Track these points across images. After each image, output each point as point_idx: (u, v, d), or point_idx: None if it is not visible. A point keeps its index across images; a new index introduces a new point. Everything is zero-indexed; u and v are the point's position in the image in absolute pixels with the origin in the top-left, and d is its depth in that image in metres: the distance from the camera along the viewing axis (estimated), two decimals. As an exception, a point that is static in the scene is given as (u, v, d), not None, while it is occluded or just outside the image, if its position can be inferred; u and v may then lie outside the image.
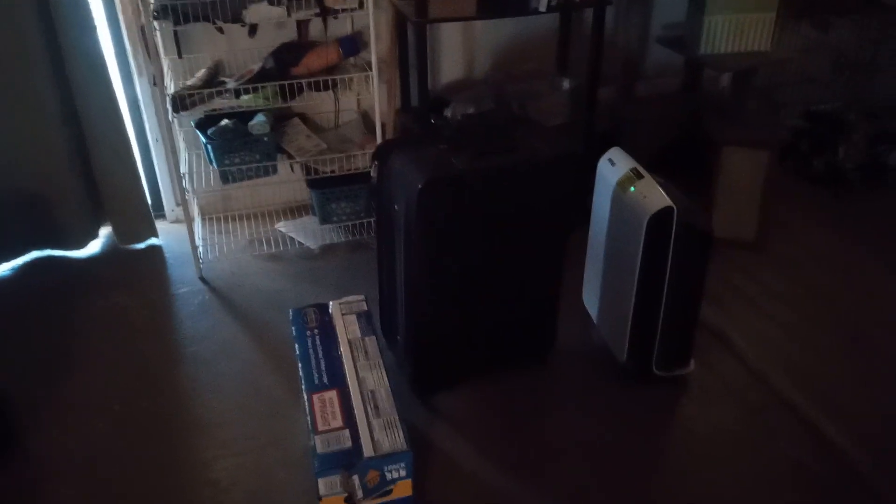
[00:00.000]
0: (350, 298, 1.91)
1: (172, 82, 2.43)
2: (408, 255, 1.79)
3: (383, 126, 2.57)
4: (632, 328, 1.93)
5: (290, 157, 2.55)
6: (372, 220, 2.64)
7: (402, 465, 1.48)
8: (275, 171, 2.53)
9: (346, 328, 1.82)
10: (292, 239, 2.69)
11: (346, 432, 1.51)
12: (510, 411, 1.96)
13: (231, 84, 2.38)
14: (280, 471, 1.78)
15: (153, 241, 2.70)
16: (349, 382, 1.64)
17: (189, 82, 2.39)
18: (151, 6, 2.23)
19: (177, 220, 2.83)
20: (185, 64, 2.53)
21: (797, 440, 1.85)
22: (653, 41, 3.02)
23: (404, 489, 1.51)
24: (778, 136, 2.75)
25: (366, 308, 1.89)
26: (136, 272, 2.56)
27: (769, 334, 2.23)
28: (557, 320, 2.05)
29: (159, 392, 2.04)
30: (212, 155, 2.43)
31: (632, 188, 1.86)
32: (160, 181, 2.79)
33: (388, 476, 1.48)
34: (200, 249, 2.55)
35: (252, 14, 2.28)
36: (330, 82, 2.45)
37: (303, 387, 1.65)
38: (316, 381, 1.65)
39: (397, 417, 1.55)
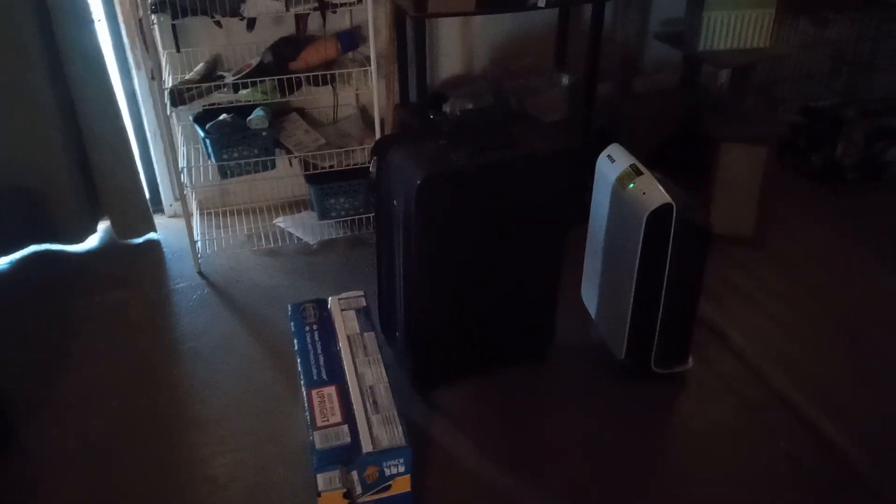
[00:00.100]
0: (349, 294, 1.91)
1: (170, 76, 2.42)
2: (407, 251, 1.79)
3: (382, 121, 2.57)
4: (630, 325, 1.93)
5: (288, 151, 2.55)
6: (371, 215, 2.64)
7: (401, 460, 1.48)
8: (273, 165, 2.53)
9: (345, 324, 1.81)
10: (291, 234, 2.68)
11: (345, 428, 1.51)
12: (509, 407, 1.96)
13: (229, 78, 2.37)
14: (279, 466, 1.78)
15: (151, 235, 2.69)
16: (348, 378, 1.64)
17: (187, 76, 2.38)
18: (149, 0, 2.22)
19: (175, 215, 2.83)
20: (183, 58, 2.52)
21: (795, 438, 1.86)
22: (651, 37, 3.01)
23: (403, 485, 1.51)
24: (776, 133, 2.75)
25: (365, 304, 1.89)
26: (135, 267, 2.56)
27: (767, 331, 2.23)
28: (556, 317, 2.05)
29: (157, 388, 2.04)
30: (210, 149, 2.42)
31: (631, 184, 1.86)
32: (158, 176, 2.79)
33: (387, 472, 1.48)
34: (199, 244, 2.54)
35: (250, 8, 2.27)
36: (328, 77, 2.44)
37: (301, 382, 1.65)
38: (315, 377, 1.65)
39: (396, 413, 1.55)
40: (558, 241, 1.92)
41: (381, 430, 1.50)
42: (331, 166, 2.53)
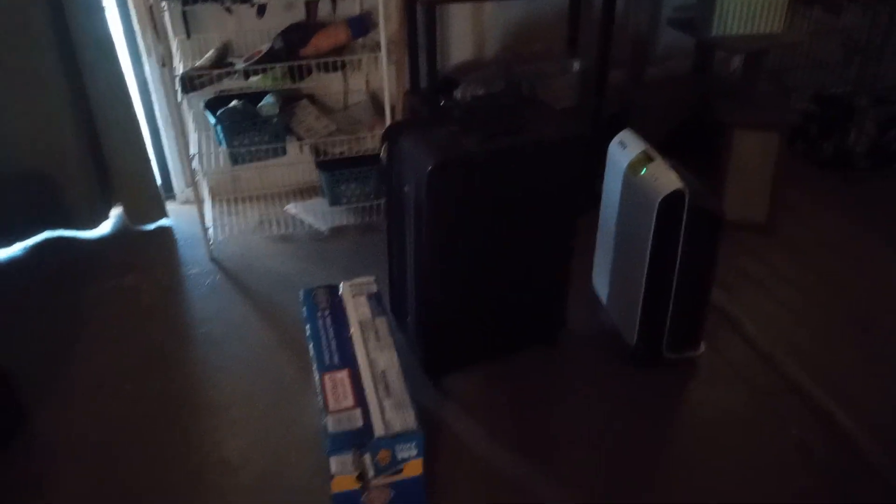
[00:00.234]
0: (360, 280, 1.92)
1: (181, 63, 2.42)
2: (417, 237, 1.79)
3: (392, 107, 2.56)
4: (642, 311, 1.93)
5: (299, 138, 2.55)
6: (382, 201, 2.64)
7: (413, 444, 1.48)
8: (284, 152, 2.53)
9: (357, 309, 1.82)
10: (302, 221, 2.69)
11: (358, 412, 1.52)
12: (519, 393, 1.97)
13: (240, 65, 2.37)
14: (291, 450, 1.80)
15: (163, 222, 2.71)
16: (360, 363, 1.65)
17: (198, 63, 2.38)
18: (161, -14, 2.22)
19: (187, 202, 2.84)
20: (193, 45, 2.52)
21: (806, 426, 1.85)
22: (664, 23, 2.99)
23: (415, 468, 1.52)
24: (788, 120, 2.74)
25: (376, 289, 1.89)
26: (147, 253, 2.57)
27: (778, 318, 2.23)
28: (567, 303, 2.05)
29: (170, 373, 2.05)
30: (221, 136, 2.43)
31: (643, 171, 1.86)
32: (170, 162, 2.80)
33: (399, 455, 1.49)
34: (210, 231, 2.55)
35: (261, -6, 2.27)
36: (339, 63, 2.44)
37: (314, 367, 1.66)
38: (327, 362, 1.66)
39: (408, 398, 1.56)
40: (569, 227, 1.92)
41: (394, 414, 1.51)
42: (341, 153, 2.54)
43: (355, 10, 2.61)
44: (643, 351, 1.99)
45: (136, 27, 2.52)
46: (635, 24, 3.02)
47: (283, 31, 2.42)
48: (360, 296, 1.87)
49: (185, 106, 2.53)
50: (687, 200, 1.77)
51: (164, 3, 2.25)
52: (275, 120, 2.45)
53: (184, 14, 2.46)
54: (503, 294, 1.95)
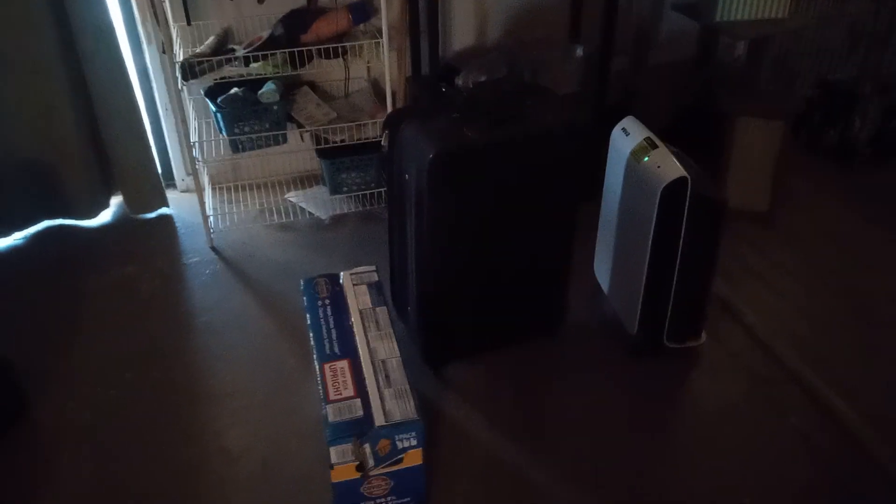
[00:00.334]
0: (361, 269, 1.91)
1: (181, 50, 2.41)
2: (419, 226, 1.78)
3: (394, 94, 2.55)
4: (643, 300, 1.92)
5: (299, 125, 2.53)
6: (383, 190, 2.63)
7: (413, 434, 1.48)
8: (284, 140, 2.52)
9: (358, 298, 1.81)
10: (303, 209, 2.68)
11: (358, 401, 1.51)
12: (520, 383, 1.97)
13: (240, 52, 2.36)
14: (292, 439, 1.80)
15: (164, 210, 2.70)
16: (360, 352, 1.64)
17: (198, 50, 2.37)
18: (159, -28, 2.20)
19: (187, 190, 2.83)
20: (194, 31, 2.50)
21: (806, 415, 1.85)
22: (667, 8, 2.96)
23: (415, 458, 1.52)
24: (792, 107, 2.71)
25: (377, 278, 1.89)
26: (147, 242, 2.57)
27: (780, 308, 2.22)
28: (568, 292, 2.04)
29: (171, 362, 2.05)
30: (221, 123, 2.41)
31: (645, 158, 1.84)
32: (170, 150, 2.79)
33: (399, 445, 1.48)
34: (211, 219, 2.54)
35: (261, -20, 2.25)
36: (340, 50, 2.42)
37: (314, 356, 1.65)
38: (327, 351, 1.66)
39: (408, 387, 1.55)
40: (571, 215, 1.90)
41: (394, 403, 1.50)
42: (342, 140, 2.52)
43: (356, -4, 2.58)
44: (644, 340, 1.98)
45: (136, 14, 2.51)
46: (639, 9, 2.99)
47: (283, 18, 2.40)
48: (360, 285, 1.86)
49: (185, 93, 2.52)
50: (690, 188, 1.76)
51: (163, -10, 2.24)
52: (275, 107, 2.43)
53: (184, 0, 2.44)
54: (504, 283, 1.94)
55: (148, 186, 2.62)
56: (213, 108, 2.42)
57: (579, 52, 2.70)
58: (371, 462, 1.48)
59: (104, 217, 2.68)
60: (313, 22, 2.39)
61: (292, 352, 2.07)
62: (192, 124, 2.57)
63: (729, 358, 2.03)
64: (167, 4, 2.32)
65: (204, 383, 1.98)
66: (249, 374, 2.00)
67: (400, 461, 1.51)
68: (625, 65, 2.99)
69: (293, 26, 2.37)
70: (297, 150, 2.76)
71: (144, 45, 2.57)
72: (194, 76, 2.30)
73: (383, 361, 1.62)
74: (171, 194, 2.75)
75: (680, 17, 2.83)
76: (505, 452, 1.76)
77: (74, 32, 2.30)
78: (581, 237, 1.97)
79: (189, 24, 2.49)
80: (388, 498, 1.56)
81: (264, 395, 1.93)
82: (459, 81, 2.56)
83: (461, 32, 2.81)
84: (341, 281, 1.88)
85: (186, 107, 2.52)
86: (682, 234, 1.81)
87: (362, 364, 1.61)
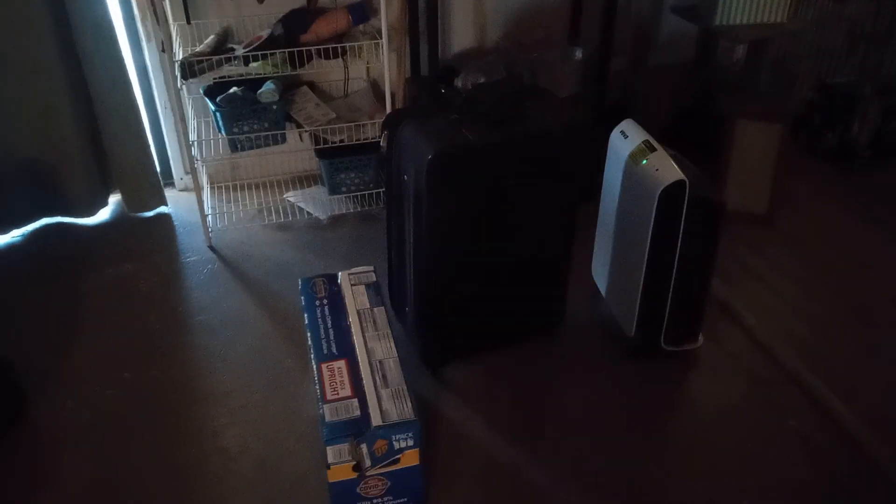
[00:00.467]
0: (359, 269, 1.91)
1: (181, 49, 2.41)
2: (417, 226, 1.78)
3: (393, 95, 2.55)
4: (641, 302, 1.92)
5: (298, 125, 2.53)
6: (381, 190, 2.63)
7: (410, 434, 1.48)
8: (283, 139, 2.52)
9: (355, 298, 1.81)
10: (301, 209, 2.68)
11: (355, 401, 1.51)
12: (518, 384, 1.97)
13: (240, 51, 2.36)
14: (289, 439, 1.80)
15: (162, 209, 2.70)
16: (358, 352, 1.64)
17: (198, 49, 2.37)
18: (159, -29, 2.20)
19: (186, 189, 2.83)
20: (193, 30, 2.50)
21: (805, 417, 1.85)
22: (666, 11, 2.97)
23: (412, 458, 1.52)
24: (791, 110, 2.72)
25: (375, 279, 1.89)
26: (146, 240, 2.56)
27: (778, 310, 2.22)
28: (566, 294, 2.04)
29: (169, 361, 2.05)
30: (220, 122, 2.42)
31: (644, 161, 1.85)
32: (169, 149, 2.79)
33: (396, 445, 1.48)
34: (209, 218, 2.55)
35: (261, -20, 2.25)
36: (339, 50, 2.42)
37: (311, 356, 1.66)
38: (325, 351, 1.66)
39: (406, 387, 1.55)
40: (570, 216, 1.91)
41: (391, 403, 1.51)
42: (341, 140, 2.52)
43: (356, -4, 2.59)
44: (642, 342, 1.98)
45: (136, 12, 2.51)
46: (638, 11, 2.99)
47: (283, 18, 2.40)
48: (358, 285, 1.86)
49: (184, 92, 2.52)
50: (688, 191, 1.76)
51: (163, -11, 2.24)
52: (274, 107, 2.43)
53: (183, -1, 2.44)
54: (502, 284, 1.94)
55: (146, 185, 2.62)
56: (213, 108, 2.42)
57: (578, 53, 2.70)
58: (368, 462, 1.48)
59: (103, 215, 2.68)
60: (313, 22, 2.39)
61: (290, 351, 2.07)
62: (191, 123, 2.57)
63: (728, 359, 2.03)
64: (167, 3, 2.32)
65: (202, 382, 1.98)
66: (247, 373, 2.00)
67: (397, 461, 1.51)
68: (624, 67, 2.99)
69: (293, 26, 2.38)
70: (295, 150, 2.76)
71: (144, 44, 2.57)
72: (193, 75, 2.31)
73: (380, 362, 1.62)
74: (169, 193, 2.75)
75: (679, 19, 2.83)
76: (503, 453, 1.76)
77: (74, 31, 2.30)
78: (580, 239, 1.97)
79: (189, 22, 2.49)
80: (385, 498, 1.56)
81: (262, 395, 1.93)
82: (458, 82, 2.56)
83: (460, 34, 2.81)
84: (339, 281, 1.88)
85: (185, 106, 2.52)
86: (680, 238, 1.82)
87: (360, 364, 1.61)
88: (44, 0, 2.24)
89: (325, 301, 1.82)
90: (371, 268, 1.92)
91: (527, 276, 1.95)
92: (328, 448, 1.44)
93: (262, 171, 2.84)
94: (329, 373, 1.59)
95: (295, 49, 2.35)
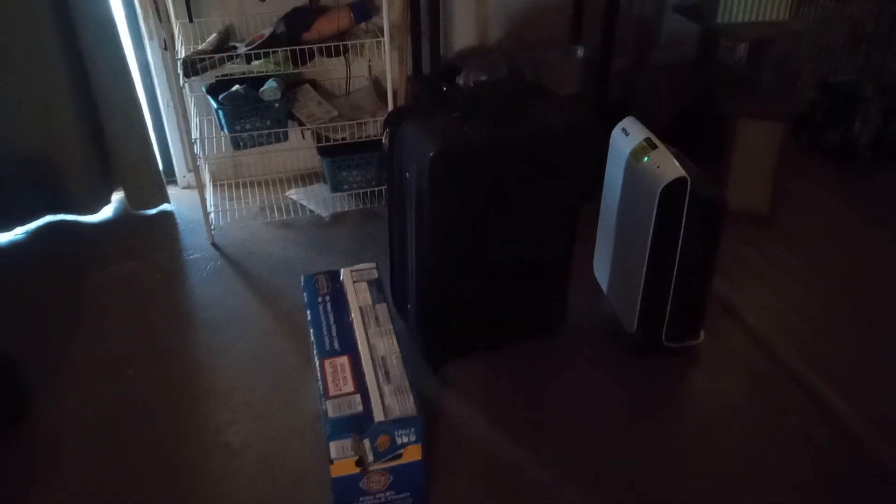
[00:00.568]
0: (361, 266, 1.91)
1: (183, 47, 2.41)
2: (419, 224, 1.79)
3: (395, 93, 2.56)
4: (642, 299, 1.92)
5: (300, 123, 2.54)
6: (383, 188, 2.64)
7: (413, 430, 1.49)
8: (286, 137, 2.52)
9: (358, 295, 1.82)
10: (303, 206, 2.69)
11: (358, 397, 1.52)
12: (519, 381, 1.97)
13: (242, 49, 2.36)
14: (292, 435, 1.80)
15: (165, 206, 2.70)
16: (360, 349, 1.65)
17: (200, 47, 2.37)
18: (162, -31, 2.21)
19: (188, 186, 2.84)
20: (196, 28, 2.51)
21: (806, 415, 1.85)
22: (668, 9, 2.97)
23: (414, 454, 1.52)
24: (793, 109, 2.72)
25: (377, 276, 1.89)
26: (148, 238, 2.57)
27: (779, 309, 2.22)
28: (568, 291, 2.05)
29: (172, 358, 2.05)
30: (223, 120, 2.42)
31: (645, 158, 1.85)
32: (171, 147, 2.79)
33: (399, 441, 1.49)
34: (212, 216, 2.55)
35: (263, -22, 2.26)
36: (341, 48, 2.43)
37: (314, 352, 1.66)
38: (327, 347, 1.66)
39: (408, 384, 1.56)
40: (571, 214, 1.91)
41: (393, 399, 1.51)
42: (343, 138, 2.53)
43: (358, -6, 2.59)
44: (643, 339, 1.99)
45: (138, 10, 2.51)
46: (640, 10, 3.00)
47: (285, 16, 2.41)
48: (360, 282, 1.87)
49: (186, 90, 2.52)
50: (689, 189, 1.76)
51: (165, -13, 2.24)
52: (276, 105, 2.44)
53: (186, -3, 2.45)
54: (504, 281, 1.94)
55: (149, 183, 2.63)
56: (215, 106, 2.43)
57: (580, 52, 2.71)
58: (370, 457, 1.48)
59: (105, 213, 2.69)
60: (315, 20, 2.40)
61: (292, 348, 2.07)
62: (194, 121, 2.58)
63: (729, 357, 2.04)
64: (169, 1, 2.33)
65: (204, 379, 1.99)
66: (250, 370, 2.01)
67: (399, 457, 1.51)
68: (626, 65, 3.00)
69: (295, 24, 2.38)
70: (297, 148, 2.76)
71: (146, 42, 2.58)
72: (196, 73, 2.31)
73: (383, 358, 1.63)
74: (172, 191, 2.76)
75: (681, 18, 2.84)
76: (504, 450, 1.77)
77: (76, 28, 2.30)
78: (581, 236, 1.97)
79: (191, 20, 2.50)
80: (388, 493, 1.56)
81: (265, 391, 1.94)
82: (460, 81, 2.56)
83: (462, 32, 2.82)
84: (341, 278, 1.89)
85: (188, 104, 2.53)
86: (681, 235, 1.82)
87: (362, 360, 1.62)
88: (47, -2, 2.25)
89: (327, 298, 1.82)
90: (373, 264, 1.93)
91: (528, 273, 1.96)
92: (331, 443, 1.45)
93: (264, 168, 2.85)
94: (332, 369, 1.60)
95: (297, 47, 2.35)
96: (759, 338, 2.10)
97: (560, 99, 2.01)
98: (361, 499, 1.55)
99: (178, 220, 2.67)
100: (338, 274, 1.90)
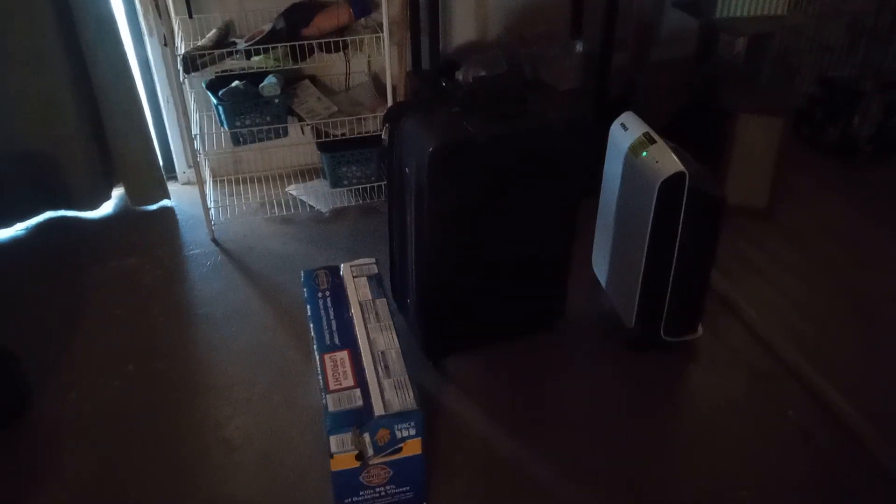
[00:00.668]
0: (361, 261, 1.92)
1: (183, 43, 2.41)
2: (419, 219, 1.79)
3: (394, 89, 2.56)
4: (641, 294, 1.93)
5: (300, 119, 2.54)
6: (383, 183, 2.64)
7: (413, 424, 1.49)
8: (285, 133, 2.53)
9: (357, 290, 1.82)
10: (303, 202, 2.69)
11: (358, 392, 1.52)
12: (519, 375, 1.98)
13: (241, 45, 2.36)
14: (292, 429, 1.81)
15: (165, 202, 2.71)
16: (360, 343, 1.65)
17: (200, 43, 2.37)
18: (162, -35, 2.21)
19: (188, 182, 2.84)
20: (195, 24, 2.51)
21: (804, 410, 1.86)
22: (668, 4, 2.97)
23: (414, 448, 1.53)
24: (792, 104, 2.72)
25: (376, 271, 1.90)
26: (149, 234, 2.58)
27: (778, 304, 2.23)
28: (567, 285, 2.05)
29: (172, 353, 2.06)
30: (223, 116, 2.42)
31: (644, 153, 1.85)
32: (171, 143, 2.80)
33: (399, 435, 1.49)
34: (212, 211, 2.55)
35: (263, -26, 2.26)
36: (341, 44, 2.43)
37: (314, 347, 1.67)
38: (327, 342, 1.67)
39: (408, 378, 1.56)
40: (571, 209, 1.91)
41: (393, 394, 1.52)
42: (343, 134, 2.53)
43: (357, -10, 2.59)
44: (641, 334, 1.99)
45: (138, 7, 2.52)
46: (639, 5, 2.99)
47: (284, 11, 2.41)
48: (360, 277, 1.87)
49: (186, 86, 2.53)
50: (688, 183, 1.76)
51: (165, -17, 2.24)
52: (276, 101, 2.44)
53: (185, -6, 2.45)
54: (503, 276, 1.95)
55: (149, 178, 2.63)
56: (215, 101, 2.43)
57: (580, 47, 2.71)
58: (370, 451, 1.49)
59: (106, 209, 2.69)
60: (314, 16, 2.40)
61: (292, 343, 2.08)
62: (194, 117, 2.58)
63: (728, 353, 2.04)
64: (169, -3, 2.34)
65: (205, 375, 1.99)
66: (250, 365, 2.01)
67: (399, 451, 1.52)
68: (625, 61, 2.99)
69: (294, 20, 2.38)
70: (297, 144, 2.77)
71: (146, 38, 2.58)
72: (196, 69, 2.31)
73: (383, 352, 1.63)
74: (172, 186, 2.76)
75: (680, 13, 2.83)
76: (503, 444, 1.77)
77: (76, 24, 2.30)
78: (580, 231, 1.97)
79: (191, 17, 2.50)
80: (388, 487, 1.57)
81: (265, 386, 1.94)
82: (460, 76, 2.57)
83: (462, 27, 2.82)
84: (341, 273, 1.89)
85: (188, 99, 2.53)
86: (680, 229, 1.82)
87: (362, 355, 1.62)
88: (47, -6, 2.25)
89: (327, 293, 1.83)
90: (373, 260, 1.93)
91: (527, 268, 1.96)
92: (331, 437, 1.46)
93: (264, 164, 2.85)
94: (332, 363, 1.60)
95: (296, 43, 2.35)
96: (758, 334, 2.10)
97: (559, 94, 2.00)
98: (361, 493, 1.56)
99: (178, 216, 2.67)
100: (338, 269, 1.90)
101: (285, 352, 2.05)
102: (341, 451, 1.47)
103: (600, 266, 2.22)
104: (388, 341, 1.67)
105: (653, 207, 1.79)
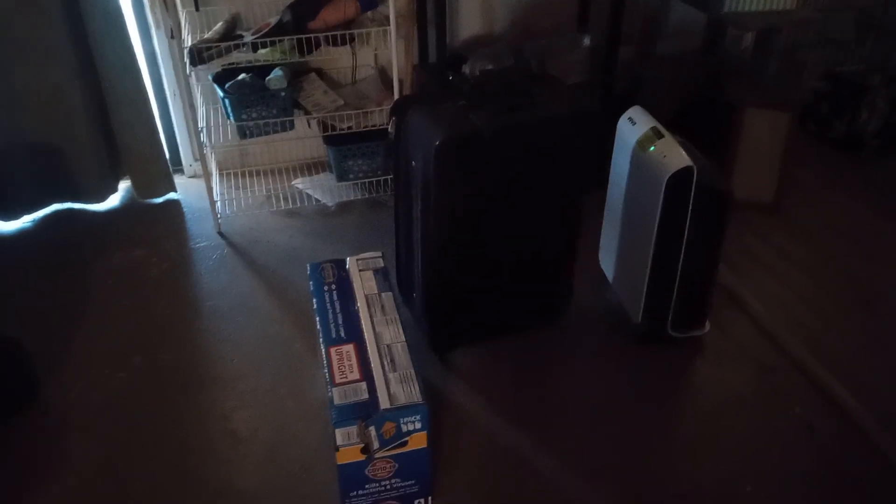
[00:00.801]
0: (367, 255, 1.92)
1: (190, 35, 2.41)
2: (425, 213, 1.79)
3: (401, 82, 2.55)
4: (648, 289, 1.93)
5: (306, 112, 2.54)
6: (389, 177, 2.64)
7: (418, 417, 1.49)
8: (292, 126, 2.53)
9: (363, 283, 1.82)
10: (309, 195, 2.69)
11: (363, 385, 1.53)
12: (525, 370, 1.98)
13: (248, 38, 2.36)
14: (298, 422, 1.82)
15: (171, 195, 2.71)
16: (366, 337, 1.65)
17: (206, 35, 2.37)
18: (169, -43, 2.21)
19: (195, 175, 2.84)
20: (202, 17, 2.51)
21: (810, 405, 1.86)
22: (675, -2, 2.96)
23: (419, 441, 1.53)
24: (799, 99, 2.71)
25: (382, 264, 1.90)
26: (155, 226, 2.58)
27: (784, 299, 2.22)
28: (573, 280, 2.05)
29: (179, 345, 2.07)
30: (229, 109, 2.42)
31: (651, 147, 1.85)
32: (178, 136, 2.80)
33: (404, 428, 1.50)
34: (218, 204, 2.56)
35: (270, -34, 2.26)
36: (347, 37, 2.43)
37: (320, 340, 1.67)
38: (333, 335, 1.67)
39: (413, 371, 1.56)
40: (577, 203, 1.91)
41: (399, 387, 1.52)
42: (349, 127, 2.53)
43: (364, -17, 2.58)
44: (648, 329, 1.99)
45: (145, -1, 2.52)
46: (647, -1, 2.99)
47: (291, 4, 2.40)
48: (366, 270, 1.87)
49: (193, 79, 2.53)
50: (695, 178, 1.76)
51: (172, -25, 2.24)
52: (283, 94, 2.44)
53: (192, -14, 2.45)
54: (509, 270, 1.95)
55: (156, 171, 2.63)
56: (221, 94, 2.43)
57: (587, 41, 2.70)
58: (376, 444, 1.49)
59: (112, 201, 2.70)
60: (321, 9, 2.39)
61: (298, 336, 2.08)
62: (200, 110, 2.58)
63: (735, 347, 2.04)
64: (176, -10, 2.33)
65: (211, 367, 2.00)
66: (256, 357, 2.02)
67: (405, 444, 1.52)
68: (632, 55, 2.98)
69: (301, 13, 2.38)
70: (304, 137, 2.77)
71: (153, 30, 2.58)
72: (202, 62, 2.31)
73: (388, 346, 1.63)
74: (178, 179, 2.77)
75: (687, 7, 2.82)
76: (509, 437, 1.78)
77: (83, 16, 2.30)
78: (587, 225, 1.97)
79: (197, 9, 2.50)
80: (393, 480, 1.57)
81: (271, 379, 1.95)
82: (466, 70, 2.56)
83: (468, 21, 2.81)
84: (347, 266, 1.89)
85: (194, 92, 2.53)
86: (687, 224, 1.82)
87: (368, 348, 1.63)
88: (54, -14, 2.25)
89: (333, 286, 1.83)
90: (379, 253, 1.93)
91: (534, 262, 1.96)
92: (337, 430, 1.46)
93: (270, 157, 2.85)
94: (337, 356, 1.61)
95: (303, 36, 2.35)
96: (765, 328, 2.10)
97: (566, 88, 2.00)
98: (367, 486, 1.56)
99: (184, 209, 2.68)
100: (344, 262, 1.90)
101: (291, 344, 2.06)
102: (347, 444, 1.48)
103: (607, 260, 2.21)
104: (394, 335, 1.67)
105: (660, 202, 1.79)
